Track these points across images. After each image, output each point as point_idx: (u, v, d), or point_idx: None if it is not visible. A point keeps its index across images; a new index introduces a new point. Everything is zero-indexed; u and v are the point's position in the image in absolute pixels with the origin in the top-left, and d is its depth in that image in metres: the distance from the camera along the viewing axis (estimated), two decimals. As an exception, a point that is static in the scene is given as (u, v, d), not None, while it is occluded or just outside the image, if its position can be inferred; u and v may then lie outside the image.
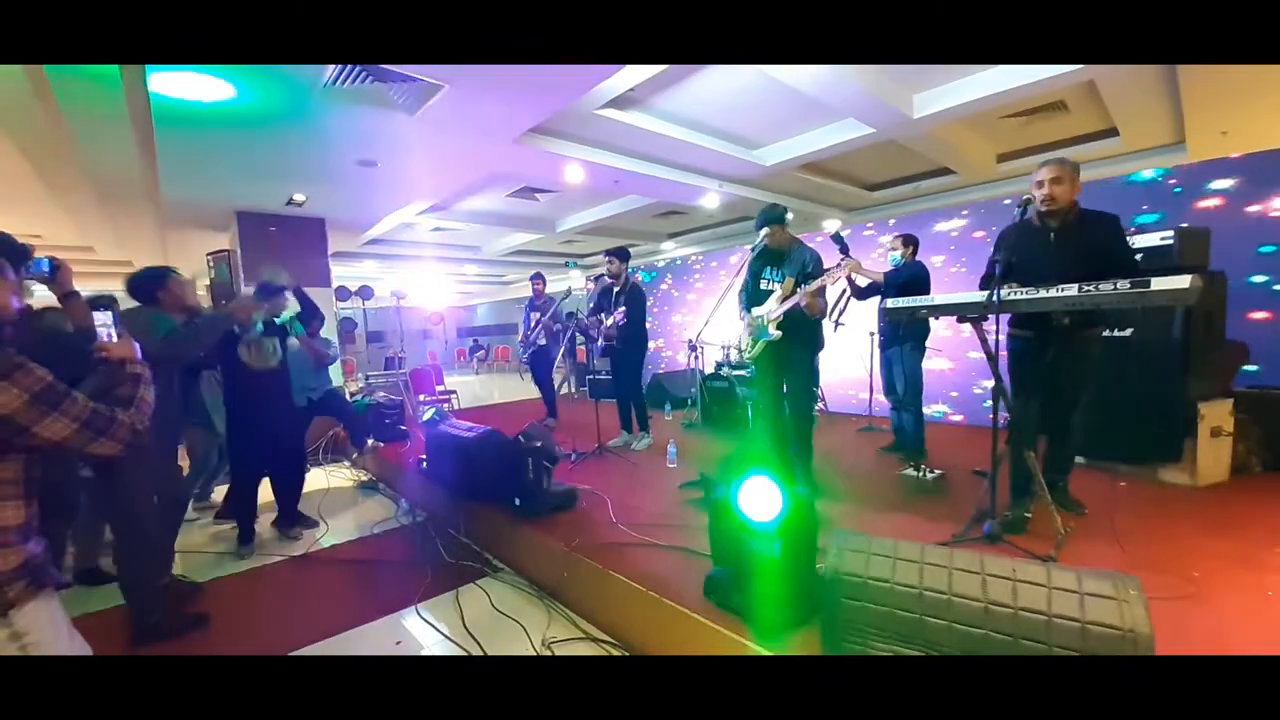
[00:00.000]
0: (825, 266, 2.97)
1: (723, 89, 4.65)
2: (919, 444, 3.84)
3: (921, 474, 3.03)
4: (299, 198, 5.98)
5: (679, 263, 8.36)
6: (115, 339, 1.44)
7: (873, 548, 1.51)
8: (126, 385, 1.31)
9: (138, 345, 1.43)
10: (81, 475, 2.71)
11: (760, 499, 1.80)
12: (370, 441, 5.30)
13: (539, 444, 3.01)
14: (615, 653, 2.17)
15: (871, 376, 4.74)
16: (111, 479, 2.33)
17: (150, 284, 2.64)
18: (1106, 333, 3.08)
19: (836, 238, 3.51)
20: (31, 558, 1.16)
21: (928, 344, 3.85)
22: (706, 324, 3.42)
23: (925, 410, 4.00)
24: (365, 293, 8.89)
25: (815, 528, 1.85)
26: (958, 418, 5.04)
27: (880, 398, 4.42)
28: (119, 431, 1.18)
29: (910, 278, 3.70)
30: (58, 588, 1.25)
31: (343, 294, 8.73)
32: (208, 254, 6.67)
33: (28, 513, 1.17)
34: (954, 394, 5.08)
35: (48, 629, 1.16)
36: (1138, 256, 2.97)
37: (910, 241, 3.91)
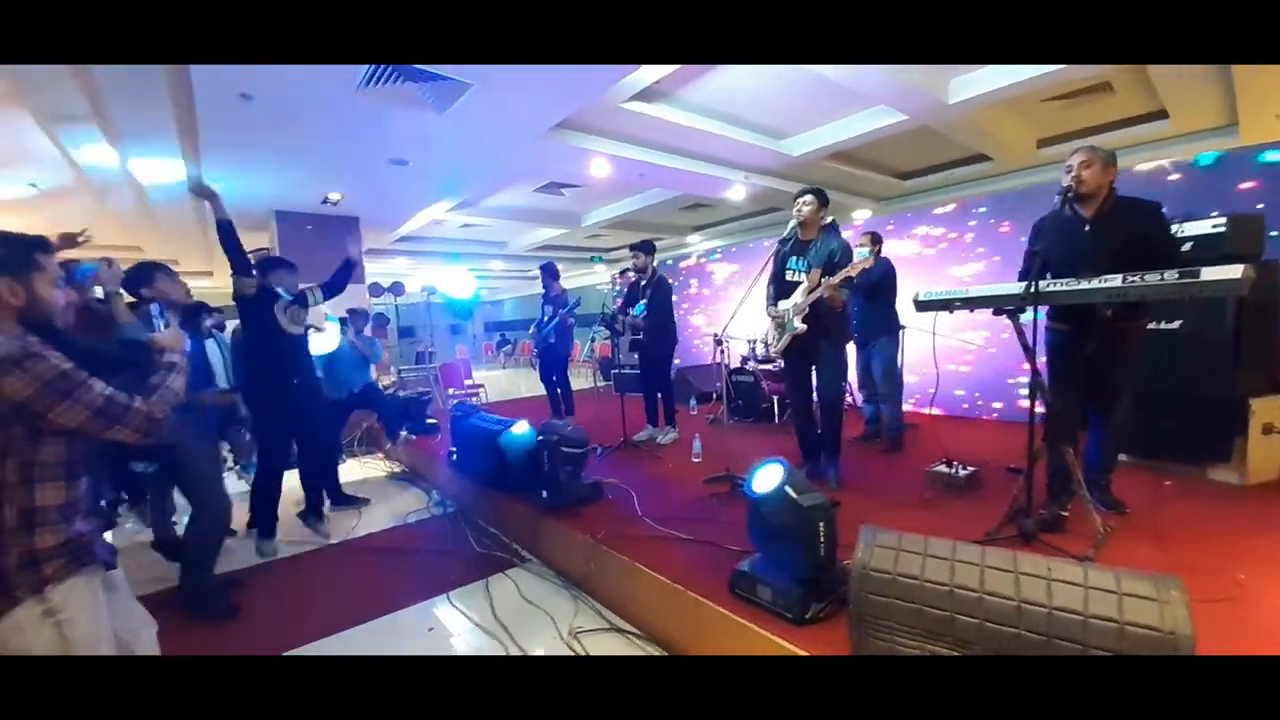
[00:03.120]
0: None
1: (750, 79, 4.60)
2: (898, 435, 3.86)
3: (954, 471, 2.97)
4: (334, 197, 6.15)
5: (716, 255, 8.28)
6: (164, 329, 1.50)
7: (902, 544, 1.49)
8: (158, 373, 1.33)
9: (185, 337, 1.47)
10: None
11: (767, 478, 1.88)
12: (403, 433, 5.44)
13: (556, 437, 3.04)
14: (641, 643, 2.20)
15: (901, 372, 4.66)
16: (175, 462, 2.52)
17: (136, 281, 2.63)
18: (1153, 325, 2.96)
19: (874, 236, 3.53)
20: (75, 536, 1.20)
21: (903, 337, 3.95)
22: (733, 317, 3.41)
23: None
24: (397, 289, 9.09)
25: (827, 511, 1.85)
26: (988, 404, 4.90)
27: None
28: (134, 419, 1.20)
29: (882, 275, 3.76)
30: (107, 568, 1.29)
31: (375, 290, 8.95)
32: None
33: (70, 493, 1.20)
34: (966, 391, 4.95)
35: (86, 607, 1.19)
36: (1187, 246, 2.85)
37: (877, 239, 4.01)
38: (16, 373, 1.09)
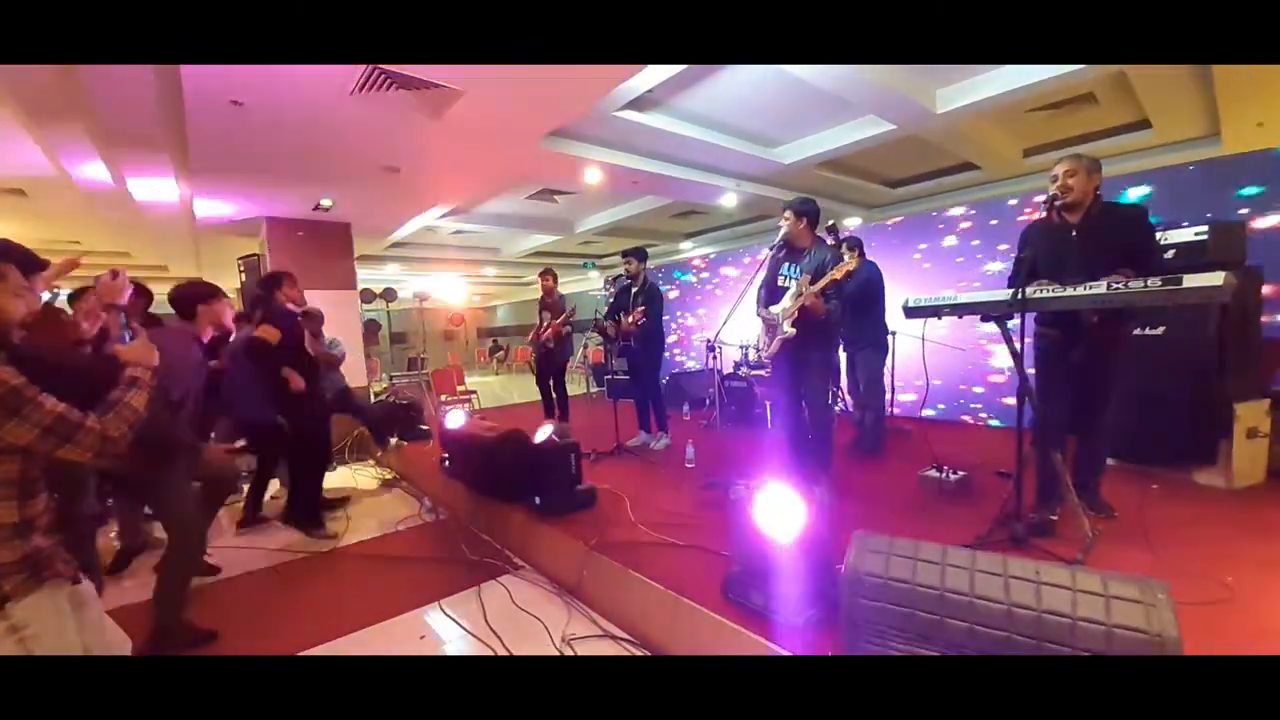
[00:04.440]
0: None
1: (741, 88, 4.64)
2: (879, 442, 3.92)
3: (944, 475, 2.99)
4: (326, 203, 6.11)
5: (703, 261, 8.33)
6: (129, 341, 1.44)
7: (893, 548, 1.50)
8: (117, 388, 1.29)
9: (155, 351, 1.42)
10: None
11: (777, 515, 1.81)
12: (394, 440, 5.40)
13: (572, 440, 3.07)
14: (634, 650, 2.19)
15: (892, 378, 4.68)
16: (152, 484, 2.38)
17: (193, 299, 2.59)
18: (1138, 331, 3.01)
19: (832, 230, 3.55)
20: (34, 552, 1.17)
21: (891, 344, 4.01)
22: (725, 323, 3.42)
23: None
24: (389, 295, 9.06)
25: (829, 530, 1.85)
26: (995, 422, 4.94)
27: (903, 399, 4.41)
28: (87, 439, 1.17)
29: (863, 283, 3.79)
30: (73, 582, 1.25)
31: (367, 296, 8.91)
32: (238, 259, 6.86)
33: (24, 511, 1.17)
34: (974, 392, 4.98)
35: (50, 622, 1.16)
36: (1170, 253, 2.91)
37: (855, 244, 4.04)
38: None
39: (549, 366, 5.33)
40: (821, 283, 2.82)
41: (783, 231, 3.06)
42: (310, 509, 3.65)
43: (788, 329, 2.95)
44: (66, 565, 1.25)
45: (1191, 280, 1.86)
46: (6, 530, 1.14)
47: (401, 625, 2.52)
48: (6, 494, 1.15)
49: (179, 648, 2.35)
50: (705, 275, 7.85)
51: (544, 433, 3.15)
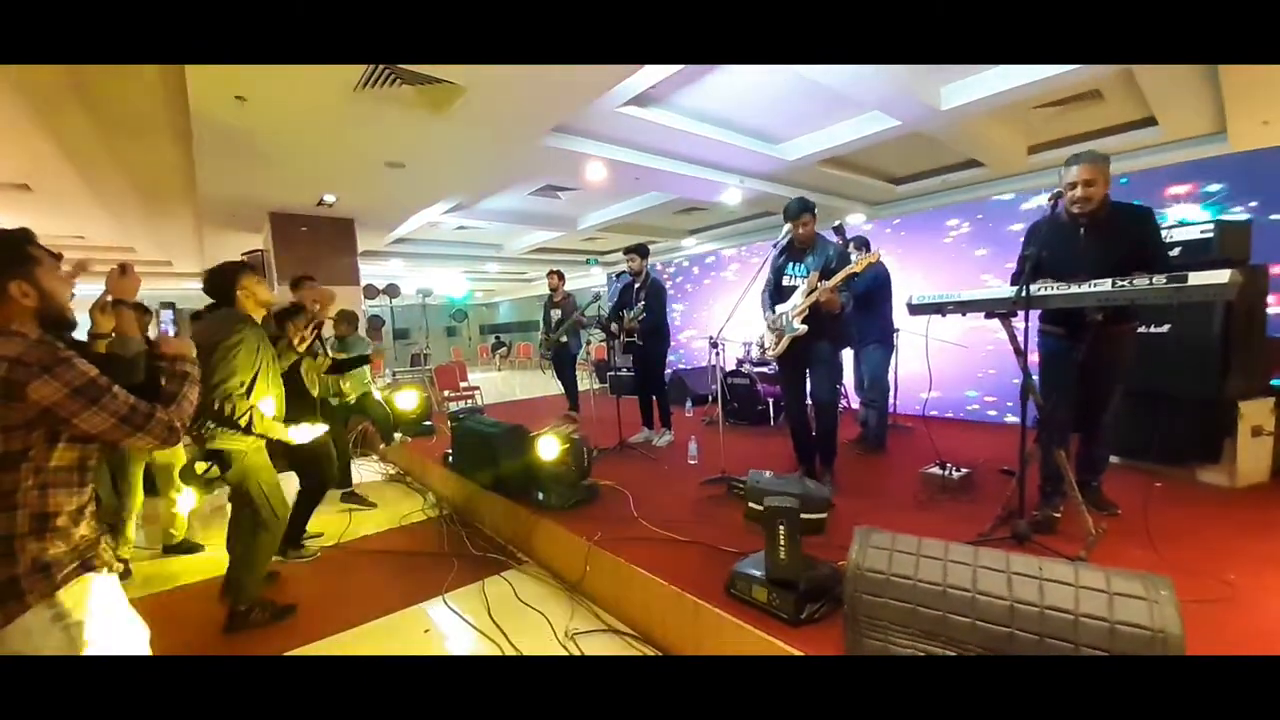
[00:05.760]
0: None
1: (744, 84, 4.63)
2: (881, 439, 3.94)
3: (947, 473, 2.99)
4: (329, 199, 6.13)
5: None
6: (171, 335, 1.49)
7: (896, 544, 1.50)
8: (174, 382, 1.34)
9: (191, 345, 1.45)
10: None
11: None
12: (398, 436, 5.41)
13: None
14: (637, 645, 2.20)
15: (896, 375, 4.67)
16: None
17: (228, 283, 2.44)
18: (1143, 329, 3.00)
19: (838, 230, 3.55)
20: (82, 541, 1.21)
21: (897, 342, 4.04)
22: (728, 320, 3.42)
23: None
24: (392, 290, 9.07)
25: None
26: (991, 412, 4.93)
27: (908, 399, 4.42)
28: (156, 428, 1.23)
29: (872, 279, 3.77)
30: (109, 570, 1.28)
31: (370, 292, 8.92)
32: (242, 254, 6.88)
33: (79, 498, 1.21)
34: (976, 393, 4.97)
35: (94, 611, 1.19)
36: (1175, 251, 2.90)
37: (862, 244, 4.06)
38: (45, 378, 1.09)
39: (563, 359, 5.70)
40: (839, 276, 2.81)
41: (791, 234, 3.04)
42: (292, 528, 3.26)
43: (798, 326, 2.94)
44: (106, 552, 1.28)
45: (1197, 278, 1.85)
46: (64, 517, 1.18)
47: (406, 619, 2.54)
48: (68, 480, 1.19)
49: (261, 624, 2.49)
50: (689, 269, 7.82)
51: (565, 434, 3.14)
